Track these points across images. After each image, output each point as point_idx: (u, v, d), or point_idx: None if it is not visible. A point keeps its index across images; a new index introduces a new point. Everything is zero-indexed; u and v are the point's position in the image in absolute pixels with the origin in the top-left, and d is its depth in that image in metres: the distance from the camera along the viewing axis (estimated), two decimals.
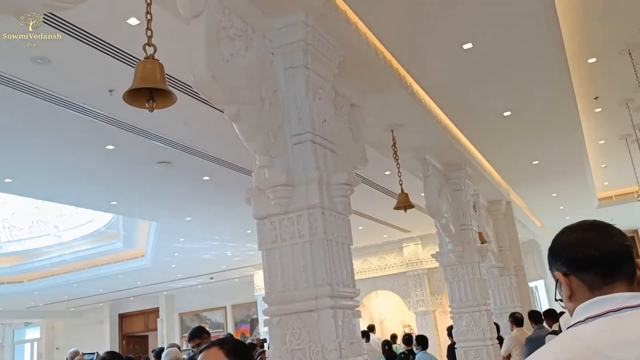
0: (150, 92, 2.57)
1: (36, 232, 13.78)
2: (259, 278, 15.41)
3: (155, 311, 18.92)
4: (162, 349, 7.81)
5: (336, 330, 3.06)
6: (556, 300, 1.28)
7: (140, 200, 8.39)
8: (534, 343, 6.12)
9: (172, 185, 7.63)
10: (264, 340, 12.10)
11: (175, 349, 5.80)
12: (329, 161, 3.46)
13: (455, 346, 6.80)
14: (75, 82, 4.64)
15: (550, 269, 1.29)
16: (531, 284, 12.04)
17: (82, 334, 19.41)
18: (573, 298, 1.22)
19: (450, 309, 6.87)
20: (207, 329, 17.45)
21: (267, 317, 3.21)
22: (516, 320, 7.29)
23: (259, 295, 15.27)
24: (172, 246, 11.79)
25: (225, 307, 18.05)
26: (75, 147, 6.06)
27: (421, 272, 13.53)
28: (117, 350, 15.10)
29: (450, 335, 7.56)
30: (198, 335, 5.20)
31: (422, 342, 8.15)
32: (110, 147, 6.06)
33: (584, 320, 1.16)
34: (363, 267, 13.50)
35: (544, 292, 13.89)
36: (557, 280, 1.27)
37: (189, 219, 9.60)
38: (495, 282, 9.04)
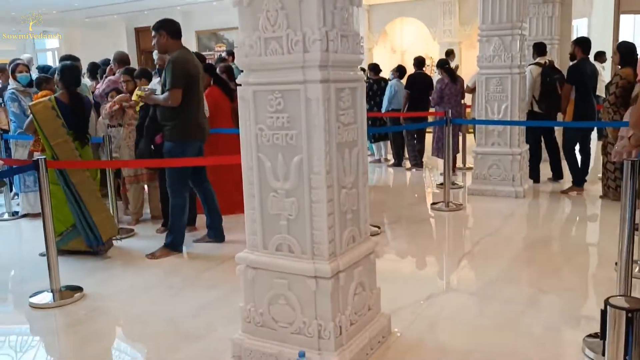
0: None
1: None
2: None
3: None
4: (94, 63, 7.71)
5: (324, 16, 2.33)
6: None
7: None
8: None
9: None
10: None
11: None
12: None
13: (478, 73, 6.15)
14: None
15: None
16: (573, 22, 10.84)
17: (100, 46, 19.21)
18: None
19: (479, 32, 6.03)
20: (224, 48, 16.46)
21: None
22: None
23: None
24: None
25: None
26: None
27: None
28: (135, 65, 14.89)
29: (415, 65, 8.11)
30: None
31: (400, 70, 8.49)
32: None
33: None
34: None
35: (585, 32, 12.71)
36: None
37: None
38: (535, 10, 7.97)
